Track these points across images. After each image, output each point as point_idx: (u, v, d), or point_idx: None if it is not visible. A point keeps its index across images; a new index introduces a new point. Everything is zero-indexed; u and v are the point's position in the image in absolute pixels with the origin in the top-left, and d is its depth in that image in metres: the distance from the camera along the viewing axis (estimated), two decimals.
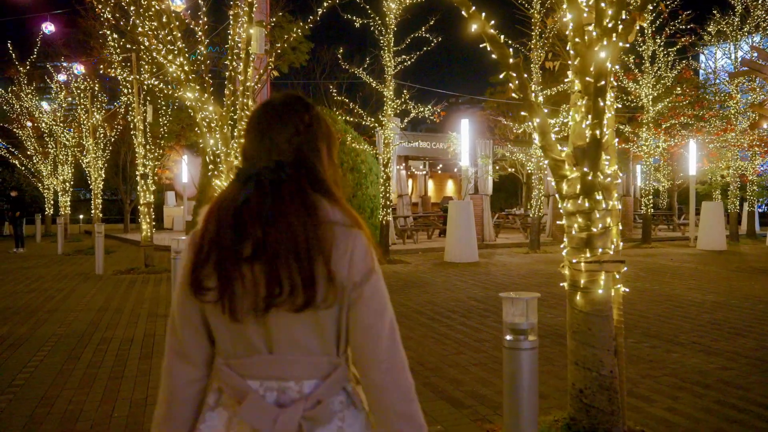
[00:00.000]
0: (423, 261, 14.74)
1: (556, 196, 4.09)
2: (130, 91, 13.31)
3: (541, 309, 7.72)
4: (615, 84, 4.12)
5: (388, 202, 14.23)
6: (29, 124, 23.20)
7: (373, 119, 14.28)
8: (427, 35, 14.26)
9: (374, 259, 1.47)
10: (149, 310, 8.78)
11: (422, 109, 14.22)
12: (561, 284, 4.20)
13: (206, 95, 8.32)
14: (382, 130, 14.30)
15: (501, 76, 4.01)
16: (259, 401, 1.41)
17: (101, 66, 13.74)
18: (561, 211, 4.11)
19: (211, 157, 8.45)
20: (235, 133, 8.52)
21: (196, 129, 8.46)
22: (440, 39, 14.08)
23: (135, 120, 13.20)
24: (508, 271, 12.73)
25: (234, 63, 8.33)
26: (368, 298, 1.43)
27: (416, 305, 8.98)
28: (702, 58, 23.88)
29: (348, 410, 1.46)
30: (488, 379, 5.39)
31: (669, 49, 18.66)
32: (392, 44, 14.06)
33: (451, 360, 6.02)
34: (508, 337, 3.28)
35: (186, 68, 7.99)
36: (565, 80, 17.53)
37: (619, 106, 20.52)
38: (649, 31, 18.15)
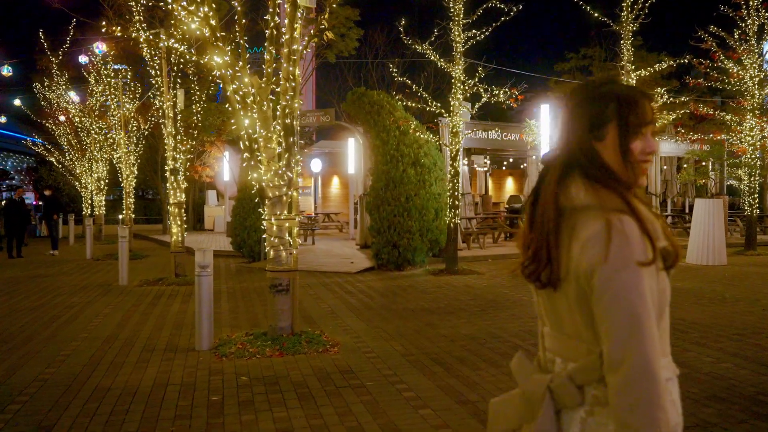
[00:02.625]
0: (496, 271, 12.54)
1: None
2: (158, 72, 11.48)
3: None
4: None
5: (456, 202, 12.07)
6: (62, 118, 21.75)
7: (438, 104, 12.14)
8: (502, 5, 12.02)
9: (615, 249, 1.37)
10: (168, 341, 6.84)
11: (497, 92, 11.99)
12: None
13: (240, 62, 6.32)
14: (449, 117, 12.15)
15: None
16: (523, 359, 1.68)
17: (130, 42, 11.92)
18: None
19: (247, 143, 6.45)
20: (278, 112, 6.50)
21: (227, 106, 6.42)
22: (519, 8, 11.82)
23: (164, 106, 11.36)
24: None
25: (276, 18, 6.30)
26: (599, 289, 1.39)
27: (512, 337, 6.82)
28: None
29: (600, 408, 1.45)
30: None
31: None
32: (461, 15, 11.89)
33: None
34: None
35: (213, 23, 5.99)
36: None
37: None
38: (756, 2, 15.51)
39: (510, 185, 29.00)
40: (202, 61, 6.53)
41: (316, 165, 26.63)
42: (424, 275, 11.95)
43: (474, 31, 12.14)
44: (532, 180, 16.27)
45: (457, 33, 11.97)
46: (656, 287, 1.43)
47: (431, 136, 12.48)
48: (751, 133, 15.90)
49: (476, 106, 12.47)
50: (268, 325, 6.68)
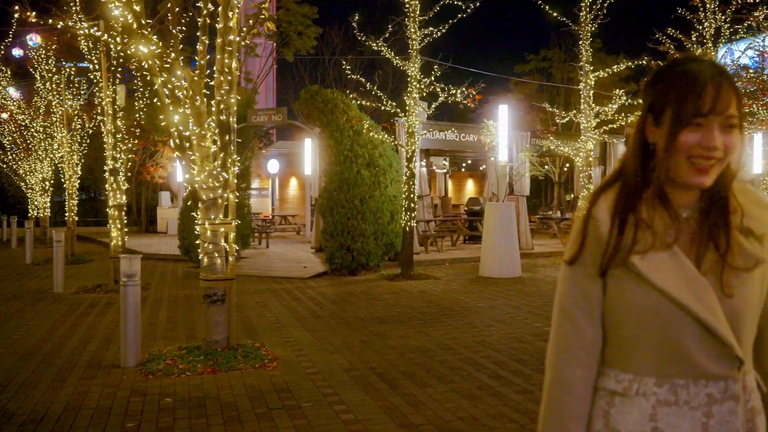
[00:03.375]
0: (453, 275, 12.19)
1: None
2: (96, 66, 10.83)
3: None
4: None
5: (412, 204, 11.67)
6: (4, 115, 20.72)
7: (394, 104, 11.73)
8: (459, 2, 11.67)
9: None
10: (92, 357, 6.27)
11: (453, 91, 11.63)
12: None
13: (172, 52, 5.80)
14: (405, 117, 11.75)
15: None
16: None
17: (67, 34, 11.22)
18: None
19: (177, 141, 5.93)
20: (213, 108, 6.00)
21: (155, 100, 5.91)
22: (476, 4, 11.48)
23: (103, 103, 10.72)
24: None
25: (209, 5, 5.81)
26: None
27: (464, 348, 6.43)
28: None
29: None
30: None
31: (736, 26, 15.97)
32: (418, 12, 11.50)
33: None
34: None
35: (137, 8, 5.45)
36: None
37: None
38: (713, 5, 15.50)
39: (470, 187, 28.80)
40: (129, 52, 5.97)
41: (274, 166, 26.05)
42: (379, 280, 11.53)
43: (431, 28, 11.77)
44: (491, 182, 15.98)
45: (413, 30, 11.58)
46: (595, 289, 1.38)
47: (386, 136, 12.06)
48: None
49: (433, 105, 12.10)
50: (202, 339, 6.17)
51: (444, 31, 11.64)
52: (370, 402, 4.85)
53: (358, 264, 12.15)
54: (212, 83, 5.95)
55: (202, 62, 5.87)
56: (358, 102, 12.11)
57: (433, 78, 11.56)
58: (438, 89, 11.76)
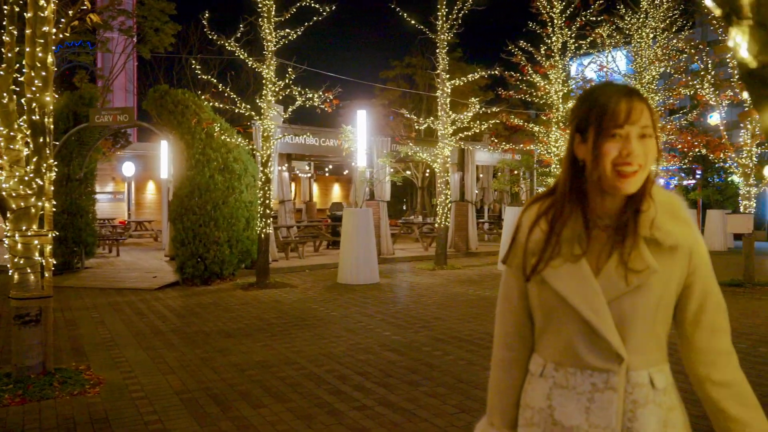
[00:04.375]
0: (312, 283, 11.95)
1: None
2: None
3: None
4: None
5: (267, 210, 11.30)
6: None
7: (249, 106, 11.31)
8: (316, 4, 11.47)
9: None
10: None
11: (310, 95, 11.40)
12: None
13: None
14: (260, 120, 11.37)
15: None
16: None
17: None
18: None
19: None
20: (25, 105, 5.37)
21: None
22: (332, 8, 11.33)
23: None
24: (419, 298, 10.22)
25: None
26: None
27: (308, 362, 6.20)
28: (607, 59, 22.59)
29: None
30: None
31: (580, 41, 16.97)
32: (273, 12, 11.17)
33: None
34: None
35: None
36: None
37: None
38: (560, 21, 16.37)
39: (337, 191, 28.72)
40: None
41: (129, 168, 24.61)
42: (233, 290, 11.06)
43: (287, 30, 11.48)
44: (356, 187, 15.92)
45: (268, 31, 11.24)
46: (518, 287, 1.61)
47: (241, 139, 11.60)
48: (556, 144, 16.74)
49: (290, 109, 11.80)
50: (12, 364, 5.51)
51: (300, 33, 11.40)
52: (196, 428, 4.48)
53: (212, 273, 11.60)
54: (20, 79, 5.32)
55: (9, 55, 5.23)
56: (212, 104, 11.59)
57: (289, 81, 11.26)
58: (296, 93, 11.49)
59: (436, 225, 14.71)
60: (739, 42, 1.26)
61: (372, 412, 4.78)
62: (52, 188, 5.63)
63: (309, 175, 22.34)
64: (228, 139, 11.39)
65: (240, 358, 6.43)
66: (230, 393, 5.27)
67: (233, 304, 9.71)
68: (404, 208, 32.37)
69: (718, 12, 1.31)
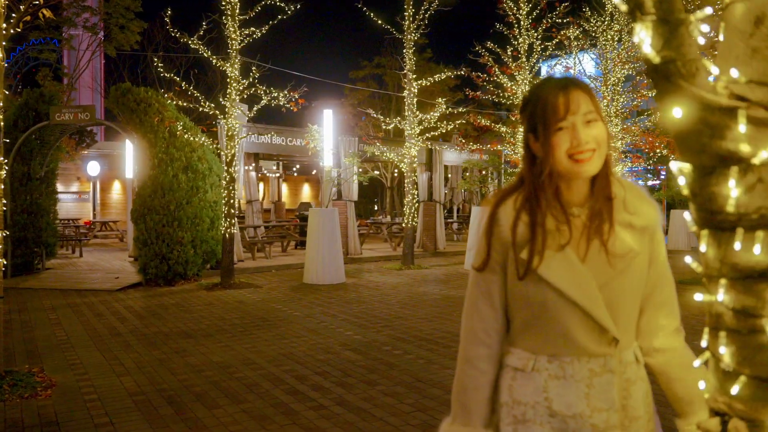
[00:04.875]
0: (278, 283, 11.88)
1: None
2: None
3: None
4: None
5: (232, 210, 11.21)
6: None
7: (213, 105, 11.19)
8: (281, 3, 11.41)
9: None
10: None
11: (276, 95, 11.34)
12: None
13: None
14: (224, 119, 11.27)
15: None
16: None
17: None
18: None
19: None
20: None
21: None
22: (297, 7, 11.27)
23: None
24: (384, 298, 10.22)
25: None
26: None
27: (267, 363, 6.16)
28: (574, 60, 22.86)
29: None
30: None
31: (546, 43, 17.13)
32: (237, 10, 11.07)
33: None
34: None
35: None
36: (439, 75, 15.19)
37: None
38: (526, 23, 16.51)
39: (307, 191, 28.60)
40: None
41: (94, 168, 24.21)
42: (197, 291, 10.94)
43: (252, 28, 11.40)
44: (324, 187, 15.86)
45: (233, 29, 11.14)
46: (498, 284, 1.61)
47: (205, 138, 11.49)
48: (523, 145, 16.85)
49: (255, 108, 11.72)
50: None
51: (264, 31, 11.33)
52: (148, 430, 4.42)
53: (175, 274, 11.46)
54: None
55: None
56: (175, 102, 11.45)
57: (253, 79, 11.18)
58: (261, 92, 11.41)
59: (404, 225, 14.73)
60: (644, 38, 1.28)
61: (328, 411, 4.76)
62: (2, 187, 5.50)
63: (278, 175, 22.21)
64: (192, 138, 11.27)
65: (198, 359, 6.36)
66: (185, 394, 5.21)
67: (196, 304, 9.60)
68: (376, 208, 32.36)
69: (624, 8, 1.32)
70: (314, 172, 23.16)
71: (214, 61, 11.23)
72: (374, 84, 28.08)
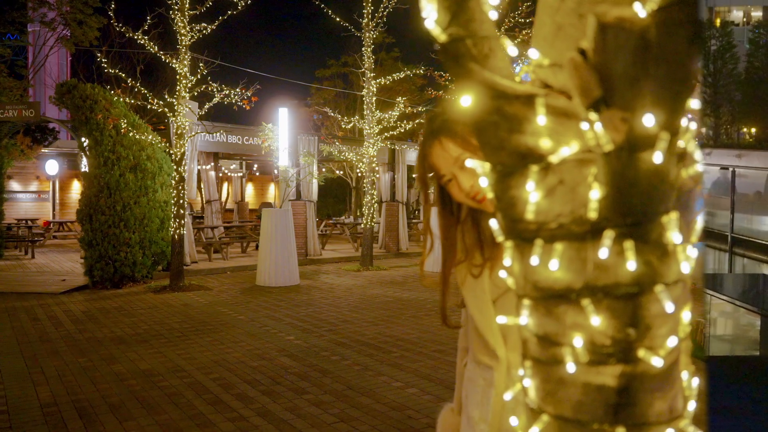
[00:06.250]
0: (229, 285, 11.59)
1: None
2: None
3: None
4: None
5: (181, 210, 10.90)
6: None
7: (161, 102, 10.88)
8: None
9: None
10: None
11: (227, 92, 11.06)
12: None
13: None
14: (173, 116, 10.96)
15: None
16: None
17: None
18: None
19: None
20: None
21: None
22: (248, 2, 10.98)
23: None
24: (335, 300, 9.99)
25: None
26: None
27: (196, 370, 5.91)
28: None
29: None
30: None
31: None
32: (187, 5, 10.77)
33: None
34: None
35: None
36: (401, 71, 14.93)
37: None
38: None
39: (273, 191, 28.22)
40: None
41: (53, 167, 23.61)
42: (144, 293, 10.61)
43: (204, 24, 11.10)
44: (280, 186, 15.57)
45: (182, 24, 10.83)
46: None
47: (153, 137, 11.16)
48: None
49: (206, 106, 11.42)
50: None
51: (215, 27, 11.03)
52: None
53: (123, 276, 11.12)
54: None
55: None
56: (122, 99, 11.11)
57: (201, 76, 10.90)
58: (213, 89, 11.12)
59: (362, 225, 14.52)
60: (430, 12, 1.08)
61: (246, 423, 4.53)
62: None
63: (241, 174, 21.86)
64: (140, 137, 10.93)
65: (125, 366, 6.08)
66: (101, 405, 4.94)
67: (139, 308, 9.29)
68: (345, 208, 32.07)
69: None
70: (276, 171, 22.83)
71: (162, 57, 10.91)
72: (341, 83, 27.84)
